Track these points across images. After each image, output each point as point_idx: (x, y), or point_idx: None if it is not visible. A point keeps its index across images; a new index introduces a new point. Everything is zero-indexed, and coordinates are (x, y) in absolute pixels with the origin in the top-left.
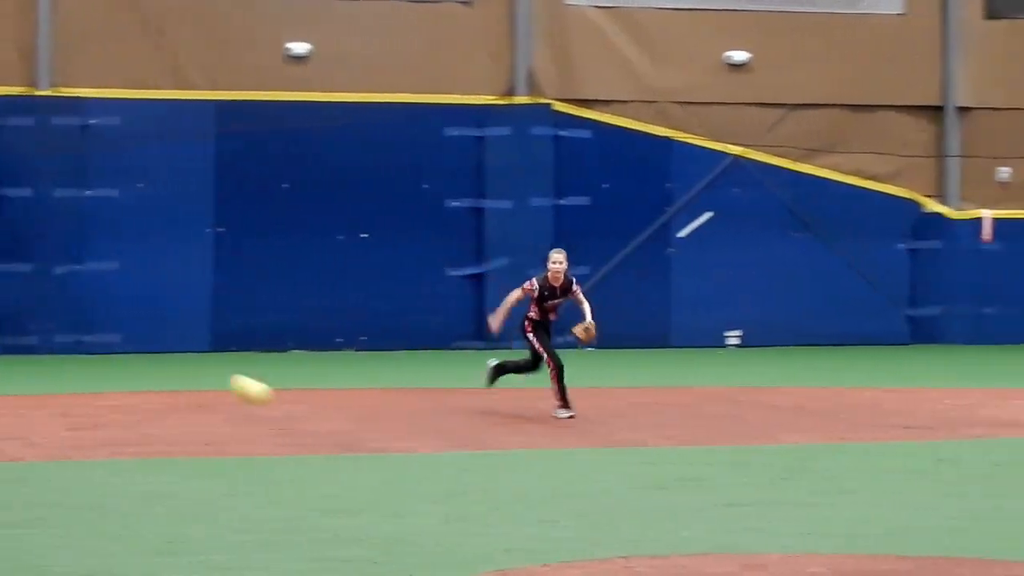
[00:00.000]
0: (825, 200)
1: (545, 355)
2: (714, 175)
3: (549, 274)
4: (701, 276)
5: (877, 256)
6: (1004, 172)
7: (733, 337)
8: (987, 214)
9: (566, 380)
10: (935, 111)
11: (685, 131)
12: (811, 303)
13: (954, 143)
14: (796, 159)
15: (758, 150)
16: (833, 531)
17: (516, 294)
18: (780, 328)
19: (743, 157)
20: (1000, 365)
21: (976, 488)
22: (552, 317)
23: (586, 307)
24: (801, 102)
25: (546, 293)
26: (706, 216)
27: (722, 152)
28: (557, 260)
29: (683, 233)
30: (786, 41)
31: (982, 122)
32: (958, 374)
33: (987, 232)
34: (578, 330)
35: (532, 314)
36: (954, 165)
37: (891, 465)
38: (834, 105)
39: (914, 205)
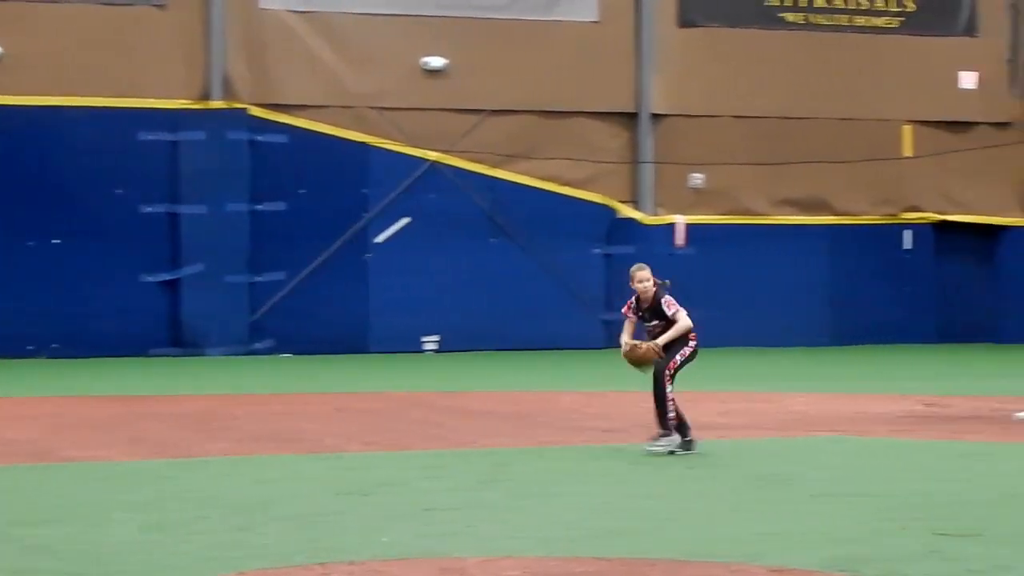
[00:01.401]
0: (521, 205)
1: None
2: (411, 181)
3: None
4: (399, 281)
5: (573, 261)
6: (697, 178)
7: (431, 342)
8: (680, 219)
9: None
10: (629, 118)
11: (382, 136)
12: (508, 308)
13: (648, 150)
14: (492, 165)
15: (455, 156)
16: (532, 534)
17: (627, 322)
18: (478, 333)
19: (440, 163)
20: (691, 369)
21: (672, 490)
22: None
23: (670, 332)
24: (497, 108)
25: (641, 314)
26: (403, 221)
27: (419, 158)
28: (640, 279)
29: (380, 239)
30: (482, 47)
31: (676, 129)
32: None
33: (680, 237)
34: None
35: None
36: (648, 171)
37: (589, 468)
38: (530, 111)
39: (608, 210)
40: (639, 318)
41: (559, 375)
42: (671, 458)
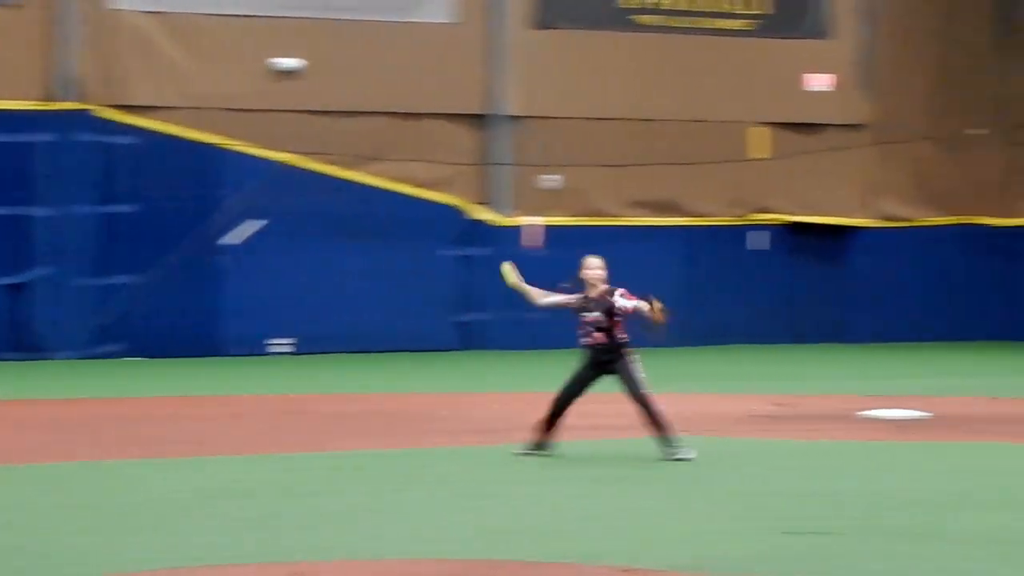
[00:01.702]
0: (375, 207)
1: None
2: (263, 183)
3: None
4: (251, 284)
5: (427, 263)
6: (552, 179)
7: (285, 345)
8: (534, 220)
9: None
10: (484, 119)
11: (234, 138)
12: (363, 310)
13: (502, 151)
14: (346, 167)
15: (308, 157)
16: (384, 535)
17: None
18: (332, 335)
19: (293, 165)
20: (545, 369)
21: (521, 491)
22: (597, 338)
23: (641, 304)
24: (350, 110)
25: (586, 303)
26: (255, 224)
27: (271, 160)
28: (592, 266)
29: (232, 241)
30: (335, 49)
31: (530, 130)
32: (505, 379)
33: (535, 238)
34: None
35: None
36: (502, 173)
37: (443, 470)
38: (384, 113)
39: (463, 212)
40: (582, 307)
41: (414, 377)
42: (524, 460)
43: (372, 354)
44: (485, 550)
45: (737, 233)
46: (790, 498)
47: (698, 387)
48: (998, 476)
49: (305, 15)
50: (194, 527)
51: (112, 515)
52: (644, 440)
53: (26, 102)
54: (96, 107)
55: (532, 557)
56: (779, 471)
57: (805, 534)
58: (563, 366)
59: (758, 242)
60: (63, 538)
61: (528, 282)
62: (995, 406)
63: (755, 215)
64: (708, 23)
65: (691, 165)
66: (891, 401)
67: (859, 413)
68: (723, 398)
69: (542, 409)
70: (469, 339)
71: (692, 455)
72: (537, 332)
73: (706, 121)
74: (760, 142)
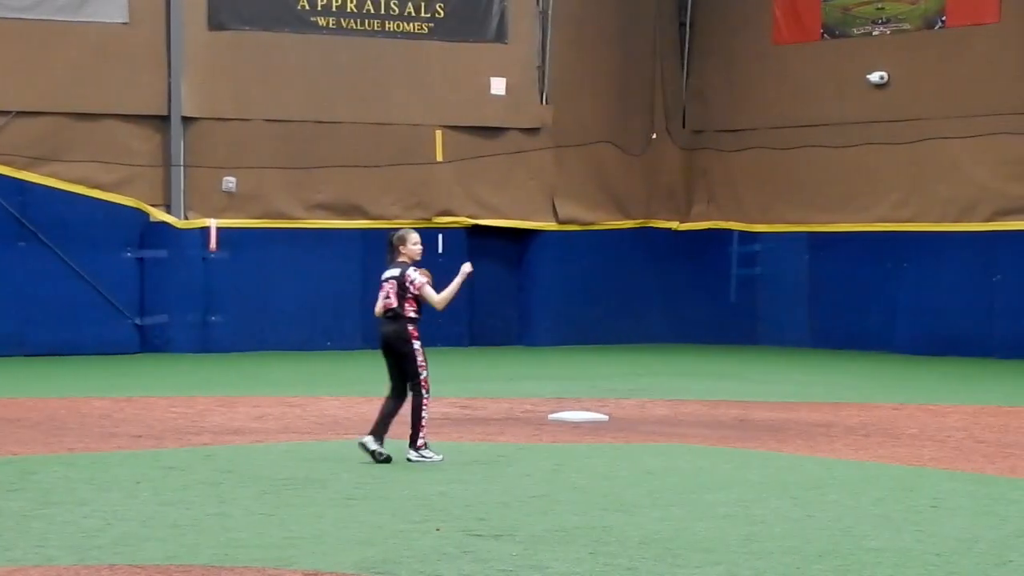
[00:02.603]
0: (52, 209)
1: (424, 373)
2: None
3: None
4: None
5: (106, 265)
6: (229, 182)
7: None
8: (213, 223)
9: None
10: (161, 120)
11: None
12: (40, 313)
13: (180, 152)
14: (21, 167)
15: None
16: (64, 543)
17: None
18: (4, 339)
19: None
20: (225, 373)
21: (201, 495)
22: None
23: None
24: (24, 109)
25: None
26: None
27: None
28: (416, 240)
29: None
30: (8, 48)
31: (207, 132)
32: (185, 382)
33: (214, 242)
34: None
35: (414, 312)
36: (179, 175)
37: (118, 474)
38: (59, 113)
39: (141, 214)
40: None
41: (92, 380)
42: (200, 463)
43: (47, 357)
44: (159, 555)
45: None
46: (471, 500)
47: (376, 391)
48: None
49: None
50: None
51: None
52: (312, 444)
53: None
54: None
55: (214, 561)
56: (460, 473)
57: (490, 536)
58: (240, 369)
59: (441, 245)
60: None
61: (209, 285)
62: (673, 408)
63: (438, 218)
64: (387, 25)
65: (373, 168)
66: (574, 404)
67: (552, 415)
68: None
69: (219, 414)
70: (148, 342)
71: (439, 457)
72: (222, 335)
73: (386, 124)
74: (441, 145)
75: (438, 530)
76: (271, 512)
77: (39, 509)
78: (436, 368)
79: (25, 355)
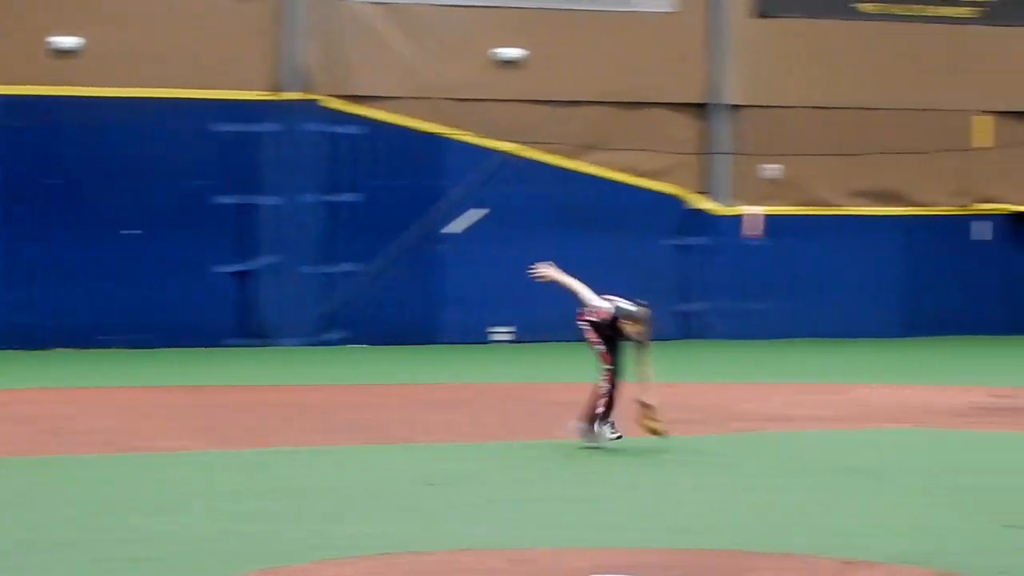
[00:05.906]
0: (595, 197)
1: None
2: (486, 172)
3: None
4: (471, 273)
5: (646, 252)
6: (772, 169)
7: (504, 333)
8: (754, 210)
9: None
10: (704, 108)
11: (458, 128)
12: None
13: (722, 140)
14: (567, 156)
15: (530, 147)
16: (601, 524)
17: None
18: (552, 324)
19: (515, 154)
20: (764, 360)
21: (756, 483)
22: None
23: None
24: (572, 99)
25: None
26: (478, 213)
27: (494, 149)
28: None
29: (454, 230)
30: (557, 38)
31: (750, 119)
32: (723, 370)
33: (754, 228)
34: None
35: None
36: (722, 162)
37: (671, 459)
38: (605, 103)
39: (682, 202)
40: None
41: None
42: (755, 450)
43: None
44: (699, 541)
45: (958, 223)
46: (1007, 491)
47: (914, 379)
48: None
49: (528, 5)
50: (408, 512)
51: (327, 500)
52: (853, 432)
53: (255, 92)
54: (322, 97)
55: (756, 548)
56: (995, 464)
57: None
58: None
59: (981, 232)
60: (270, 524)
61: (749, 272)
62: None
63: (978, 205)
64: (932, 11)
65: (914, 155)
66: None
67: None
68: (939, 390)
69: (762, 402)
70: (688, 329)
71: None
72: (761, 322)
73: (929, 110)
74: (984, 131)
75: (971, 521)
76: (808, 500)
77: (579, 492)
78: (968, 358)
79: (568, 341)
